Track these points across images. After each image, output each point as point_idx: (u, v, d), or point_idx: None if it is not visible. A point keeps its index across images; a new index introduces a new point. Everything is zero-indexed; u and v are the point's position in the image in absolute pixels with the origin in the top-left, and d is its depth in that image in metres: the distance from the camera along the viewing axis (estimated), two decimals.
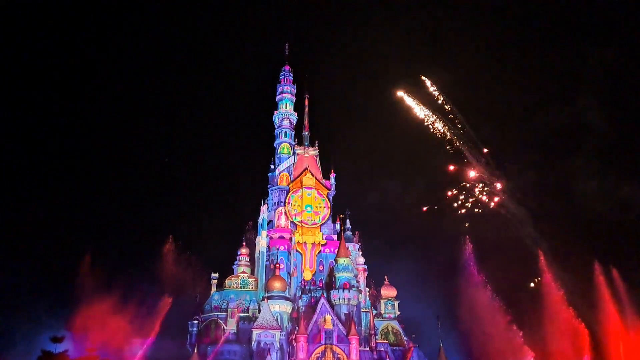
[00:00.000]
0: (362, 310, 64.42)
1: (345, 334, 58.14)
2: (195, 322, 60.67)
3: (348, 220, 72.78)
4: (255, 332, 57.20)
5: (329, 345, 57.17)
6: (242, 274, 67.21)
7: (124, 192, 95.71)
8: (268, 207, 72.97)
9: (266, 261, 67.92)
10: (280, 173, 74.62)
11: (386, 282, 69.64)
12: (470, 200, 72.18)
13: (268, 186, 75.60)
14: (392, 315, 66.97)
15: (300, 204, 71.67)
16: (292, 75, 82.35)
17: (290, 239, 69.09)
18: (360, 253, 70.48)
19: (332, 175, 75.45)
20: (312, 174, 73.75)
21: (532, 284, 61.00)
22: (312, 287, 65.84)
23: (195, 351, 57.37)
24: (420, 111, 74.41)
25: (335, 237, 70.45)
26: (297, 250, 69.10)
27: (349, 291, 61.77)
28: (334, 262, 65.28)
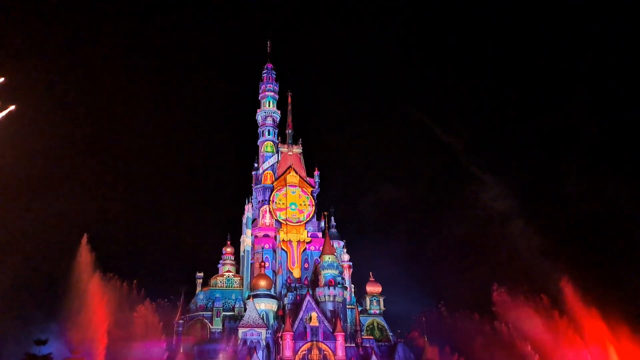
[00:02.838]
0: (347, 307, 64.82)
1: (331, 330, 58.34)
2: (181, 321, 60.45)
3: (333, 218, 73.11)
4: (241, 331, 57.15)
5: (315, 342, 57.29)
6: (227, 273, 67.15)
7: (110, 190, 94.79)
8: (252, 206, 72.96)
9: (251, 260, 67.94)
10: (264, 171, 74.46)
11: (371, 279, 70.10)
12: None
13: (252, 184, 75.43)
14: (378, 312, 67.48)
15: (285, 202, 71.70)
16: (274, 73, 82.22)
17: (275, 237, 69.13)
18: (345, 250, 70.80)
19: (316, 173, 75.51)
20: (296, 172, 73.77)
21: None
22: (297, 285, 66.02)
23: (182, 351, 57.15)
24: (413, 111, 75.36)
25: (320, 234, 70.57)
26: (282, 248, 69.12)
27: (335, 288, 61.95)
28: (319, 260, 65.40)
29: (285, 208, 71.31)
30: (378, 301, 68.20)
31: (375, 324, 66.40)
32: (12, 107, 43.29)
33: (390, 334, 65.22)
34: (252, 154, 77.75)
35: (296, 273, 68.21)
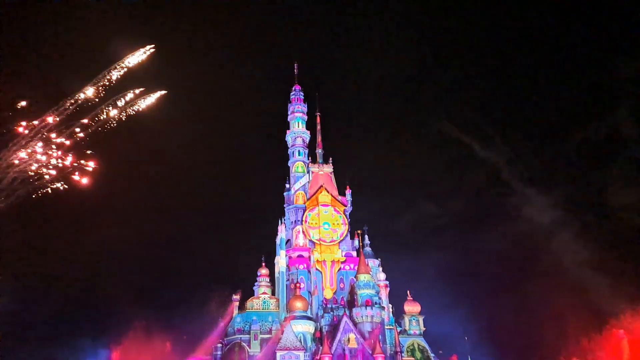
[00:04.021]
0: (386, 327, 63.45)
1: (371, 352, 57.02)
2: (219, 345, 59.98)
3: (367, 236, 72.22)
4: (279, 354, 56.23)
5: None
6: (263, 295, 66.60)
7: (145, 216, 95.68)
8: (285, 227, 72.54)
9: (286, 281, 67.29)
10: (295, 192, 74.19)
11: (409, 298, 68.56)
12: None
13: (284, 205, 75.11)
14: (417, 332, 65.84)
15: (318, 222, 71.12)
16: (302, 94, 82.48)
17: (310, 257, 68.44)
18: (380, 269, 69.68)
19: (348, 192, 74.90)
20: (327, 191, 73.31)
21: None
22: (333, 306, 64.88)
23: None
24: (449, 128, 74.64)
25: (354, 253, 69.64)
26: (316, 269, 68.34)
27: (372, 308, 60.80)
28: (355, 279, 64.46)
29: (318, 228, 70.74)
30: (417, 321, 66.57)
31: (415, 345, 64.75)
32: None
33: (432, 355, 63.48)
34: (283, 175, 77.73)
35: (331, 294, 67.24)
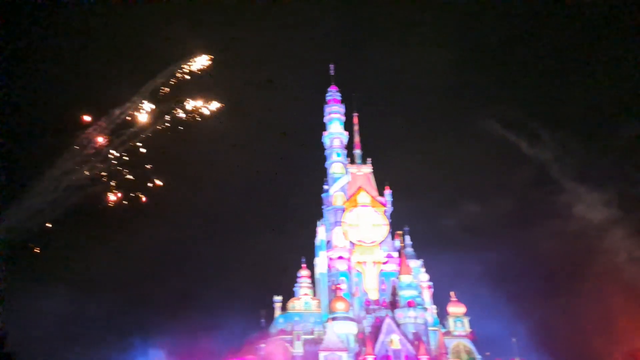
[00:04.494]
0: (429, 328, 62.27)
1: (415, 354, 56.21)
2: (262, 346, 60.06)
3: (408, 237, 71.20)
4: (322, 354, 55.86)
5: None
6: (304, 296, 66.37)
7: (183, 220, 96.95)
8: (325, 228, 72.17)
9: (327, 282, 66.87)
10: (334, 193, 73.62)
11: (453, 299, 67.03)
12: None
13: (323, 207, 74.80)
14: (463, 333, 64.32)
15: (357, 223, 70.55)
16: (339, 94, 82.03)
17: (350, 258, 67.80)
18: (423, 270, 68.59)
19: (388, 192, 73.95)
20: (366, 192, 72.64)
21: None
22: (375, 307, 64.10)
23: None
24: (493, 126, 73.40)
25: (395, 254, 68.63)
26: (357, 270, 67.70)
27: (415, 309, 59.93)
28: (397, 280, 63.64)
29: (357, 229, 70.15)
30: (462, 322, 64.97)
31: (461, 347, 63.11)
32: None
33: (479, 356, 61.84)
34: (321, 177, 77.47)
35: (373, 295, 66.40)
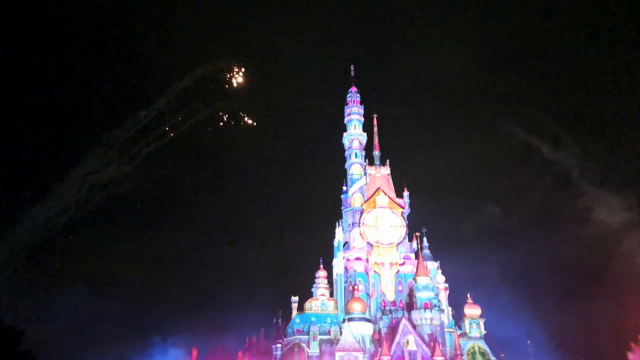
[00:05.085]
0: (445, 330, 62.76)
1: (430, 355, 56.69)
2: (279, 345, 61.18)
3: (425, 238, 71.57)
4: (338, 355, 56.71)
5: None
6: (321, 297, 67.23)
7: (203, 220, 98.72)
8: (343, 229, 72.92)
9: (344, 283, 67.68)
10: (352, 194, 74.42)
11: (469, 301, 67.32)
12: None
13: (341, 208, 75.65)
14: (478, 335, 64.56)
15: (375, 224, 71.13)
16: (359, 96, 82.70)
17: (367, 259, 68.47)
18: (440, 271, 68.89)
19: (406, 193, 74.43)
20: (385, 193, 73.10)
21: None
22: (392, 308, 64.72)
23: None
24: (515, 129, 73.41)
25: (412, 256, 69.13)
26: (374, 271, 68.34)
27: (431, 311, 60.30)
28: (413, 282, 64.06)
29: (375, 230, 70.73)
30: (478, 324, 65.21)
31: (476, 348, 63.47)
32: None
33: (493, 358, 62.13)
34: (340, 178, 78.29)
35: (390, 296, 67.05)
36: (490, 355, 62.71)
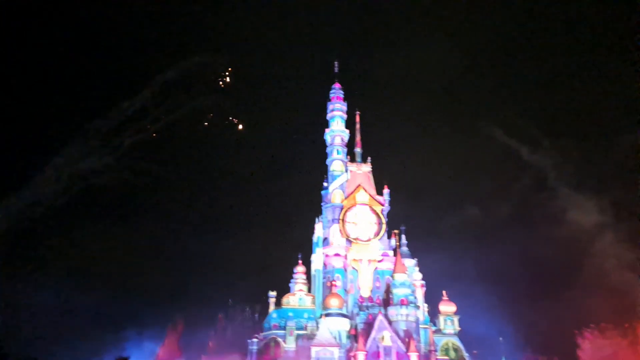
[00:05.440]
0: (420, 326, 63.63)
1: (405, 350, 57.51)
2: (255, 340, 61.58)
3: (403, 236, 72.28)
4: (314, 350, 57.36)
5: None
6: (299, 292, 67.74)
7: (181, 213, 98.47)
8: (322, 225, 73.43)
9: (322, 279, 68.25)
10: (333, 190, 74.86)
11: (444, 298, 68.42)
12: None
13: (322, 204, 76.08)
14: (452, 332, 65.75)
15: (355, 221, 71.66)
16: (342, 92, 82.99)
17: (346, 256, 69.07)
18: (417, 269, 69.74)
19: (386, 191, 75.00)
20: (365, 190, 73.63)
21: None
22: (369, 304, 65.39)
23: None
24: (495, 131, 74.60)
25: (391, 253, 69.83)
26: (353, 267, 68.89)
27: (407, 307, 61.13)
28: (391, 279, 64.83)
29: (355, 226, 71.27)
30: (452, 321, 66.44)
31: (450, 344, 64.66)
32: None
33: (466, 354, 63.35)
34: (321, 174, 78.65)
35: (367, 292, 67.59)
36: (464, 351, 63.93)
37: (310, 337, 60.59)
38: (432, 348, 60.41)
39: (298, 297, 67.20)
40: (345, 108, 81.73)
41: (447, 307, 67.41)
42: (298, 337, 62.13)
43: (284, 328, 62.90)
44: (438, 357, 60.21)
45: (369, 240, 70.45)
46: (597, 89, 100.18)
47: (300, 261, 71.46)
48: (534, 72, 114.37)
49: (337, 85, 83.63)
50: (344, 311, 63.51)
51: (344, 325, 61.92)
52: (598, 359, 54.72)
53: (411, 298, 62.56)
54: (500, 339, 61.25)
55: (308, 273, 71.11)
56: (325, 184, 77.10)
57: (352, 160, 77.69)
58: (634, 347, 53.33)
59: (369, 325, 61.46)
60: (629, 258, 62.56)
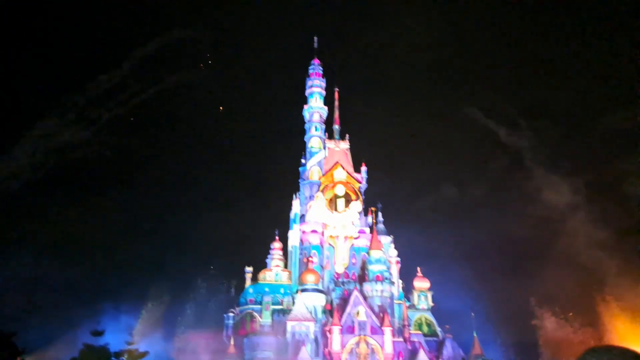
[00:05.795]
0: (395, 302, 64.70)
1: (379, 325, 58.48)
2: (231, 314, 62.02)
3: (380, 213, 72.93)
4: (290, 324, 58.05)
5: (363, 336, 57.64)
6: (275, 268, 68.24)
7: (158, 188, 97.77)
8: (300, 201, 73.61)
9: (299, 255, 68.69)
10: (311, 167, 74.89)
11: (419, 274, 69.68)
12: None
13: (299, 180, 76.12)
14: (426, 307, 67.17)
15: (332, 197, 71.97)
16: (321, 68, 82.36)
17: (323, 232, 69.48)
18: (392, 246, 70.61)
19: (364, 169, 75.42)
20: (343, 168, 73.74)
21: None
22: (345, 280, 66.15)
23: (232, 343, 58.68)
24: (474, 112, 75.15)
25: (367, 230, 70.42)
26: (329, 244, 69.42)
27: (382, 283, 61.98)
28: (367, 255, 65.52)
29: (332, 203, 71.60)
30: (426, 297, 67.85)
31: (423, 319, 66.11)
32: None
33: (439, 329, 64.87)
34: (299, 150, 78.59)
35: (343, 268, 68.31)
36: (436, 326, 65.44)
37: (286, 312, 61.27)
38: (406, 323, 61.58)
39: (274, 272, 67.69)
40: (324, 85, 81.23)
41: (421, 284, 68.75)
42: (274, 312, 62.75)
43: (260, 303, 63.46)
44: (411, 332, 61.42)
45: (345, 217, 70.89)
46: (575, 72, 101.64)
47: (277, 237, 71.92)
48: (513, 55, 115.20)
49: (316, 61, 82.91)
50: (319, 287, 64.15)
51: (319, 300, 62.63)
52: (557, 338, 56.66)
53: (386, 274, 63.37)
54: (472, 314, 62.81)
55: (285, 249, 71.55)
56: (303, 161, 77.07)
57: (331, 137, 77.61)
58: (595, 326, 55.44)
59: (345, 300, 62.26)
60: (600, 237, 64.48)
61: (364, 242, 69.01)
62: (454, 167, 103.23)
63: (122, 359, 46.87)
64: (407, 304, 65.74)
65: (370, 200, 73.61)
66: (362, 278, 64.97)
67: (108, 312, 52.68)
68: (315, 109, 78.81)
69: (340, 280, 66.22)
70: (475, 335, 61.04)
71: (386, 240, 70.42)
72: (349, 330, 58.30)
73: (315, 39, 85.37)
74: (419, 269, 70.01)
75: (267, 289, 64.87)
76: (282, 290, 65.62)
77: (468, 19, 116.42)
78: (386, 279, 62.79)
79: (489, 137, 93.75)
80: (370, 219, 71.32)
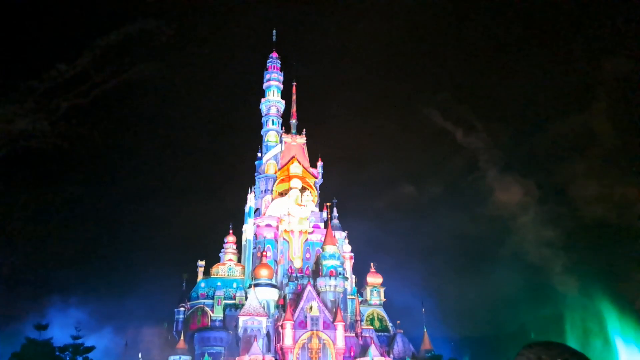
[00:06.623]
0: (348, 297, 65.04)
1: (332, 320, 58.72)
2: (182, 309, 60.97)
3: (335, 209, 73.14)
4: (242, 319, 57.45)
5: (315, 331, 57.76)
6: (229, 262, 67.45)
7: (113, 180, 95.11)
8: (255, 195, 72.98)
9: (253, 249, 68.07)
10: (267, 161, 74.43)
11: (372, 270, 70.36)
12: None
13: (255, 174, 75.55)
14: (378, 302, 67.91)
15: (287, 192, 71.69)
16: (279, 62, 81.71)
17: (277, 227, 69.14)
18: (346, 241, 70.97)
19: (320, 164, 75.57)
20: (299, 162, 73.74)
21: None
22: (298, 275, 66.12)
23: (182, 338, 57.69)
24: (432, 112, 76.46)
25: (322, 225, 70.55)
26: (284, 238, 69.08)
27: (335, 279, 62.18)
28: (321, 250, 65.61)
29: (287, 198, 71.31)
30: (378, 292, 68.61)
31: (375, 315, 66.80)
32: None
33: (390, 324, 65.73)
34: (256, 144, 77.90)
35: (297, 263, 68.16)
36: (388, 321, 66.26)
37: (239, 306, 60.73)
38: (358, 318, 62.01)
39: (227, 266, 66.91)
40: (281, 78, 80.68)
41: (374, 279, 69.43)
42: (226, 306, 62.09)
43: (212, 297, 62.67)
44: (363, 327, 61.89)
45: (300, 212, 70.70)
46: (528, 77, 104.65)
47: (231, 231, 71.07)
48: (471, 57, 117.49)
49: (274, 55, 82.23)
50: (273, 281, 63.79)
51: (272, 295, 62.30)
52: None
53: (340, 269, 63.62)
54: (423, 310, 63.93)
55: (239, 243, 70.77)
56: (259, 154, 76.50)
57: (287, 131, 77.39)
58: None
59: (298, 295, 62.25)
60: (548, 236, 66.85)
61: (318, 237, 69.15)
62: (410, 165, 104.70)
63: (67, 353, 45.36)
64: (360, 299, 66.25)
65: (326, 196, 73.96)
66: (315, 273, 65.04)
67: (55, 306, 50.85)
68: (272, 102, 78.20)
69: (294, 275, 66.11)
70: (425, 330, 62.10)
71: (341, 235, 70.79)
72: (301, 325, 58.32)
73: (274, 32, 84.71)
74: (372, 264, 70.81)
75: (219, 283, 64.06)
76: (235, 285, 64.93)
77: (427, 19, 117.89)
78: (340, 274, 63.03)
79: (445, 136, 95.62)
80: (325, 214, 71.51)
